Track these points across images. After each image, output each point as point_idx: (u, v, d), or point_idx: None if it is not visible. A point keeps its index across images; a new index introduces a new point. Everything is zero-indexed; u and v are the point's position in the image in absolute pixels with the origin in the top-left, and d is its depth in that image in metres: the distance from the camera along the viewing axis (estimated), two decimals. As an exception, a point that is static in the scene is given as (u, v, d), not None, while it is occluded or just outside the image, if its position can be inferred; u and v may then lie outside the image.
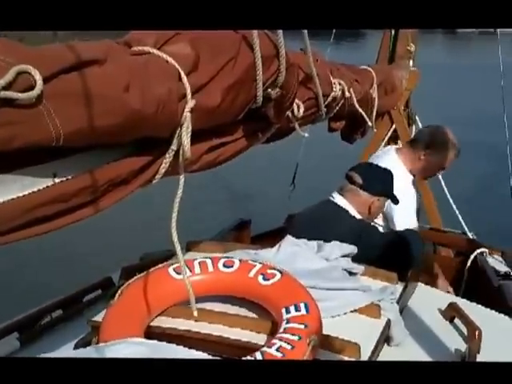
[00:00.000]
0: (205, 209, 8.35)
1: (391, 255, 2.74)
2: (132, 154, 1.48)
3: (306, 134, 2.55)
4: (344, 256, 2.48)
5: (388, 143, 4.45)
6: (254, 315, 2.09)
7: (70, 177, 1.32)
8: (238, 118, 1.82)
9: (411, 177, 3.65)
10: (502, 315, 2.70)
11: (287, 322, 1.86)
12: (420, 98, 4.90)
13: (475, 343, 2.20)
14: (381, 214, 3.39)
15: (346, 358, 1.88)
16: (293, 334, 1.78)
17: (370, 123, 3.50)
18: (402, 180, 3.45)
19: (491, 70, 5.77)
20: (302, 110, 2.27)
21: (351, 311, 2.16)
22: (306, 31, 2.02)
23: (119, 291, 2.04)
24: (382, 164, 3.28)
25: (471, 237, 4.37)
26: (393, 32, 4.57)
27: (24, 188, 1.23)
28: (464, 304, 2.57)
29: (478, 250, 3.79)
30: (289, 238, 2.54)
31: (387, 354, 2.07)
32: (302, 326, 1.82)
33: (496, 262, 3.73)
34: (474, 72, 20.86)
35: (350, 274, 2.42)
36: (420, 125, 4.59)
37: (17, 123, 1.12)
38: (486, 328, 2.27)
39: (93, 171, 1.36)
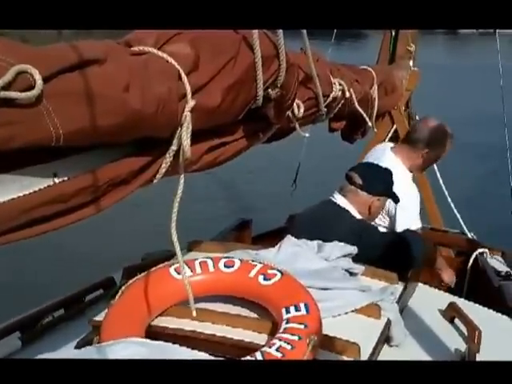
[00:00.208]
0: (206, 209, 8.36)
1: (391, 255, 2.74)
2: (132, 153, 1.48)
3: (307, 134, 2.55)
4: (344, 256, 2.49)
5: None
6: (254, 315, 2.09)
7: (70, 177, 1.32)
8: (239, 118, 1.82)
9: (411, 175, 3.66)
10: (502, 315, 2.70)
11: (287, 322, 1.86)
12: (420, 98, 4.90)
13: (475, 343, 2.20)
14: (383, 214, 3.40)
15: (346, 358, 1.88)
16: (293, 334, 1.79)
17: (369, 123, 3.50)
18: (403, 180, 3.47)
19: (491, 71, 5.77)
20: (302, 110, 2.27)
21: (351, 311, 2.16)
22: (305, 31, 2.02)
23: (120, 291, 2.04)
24: (382, 164, 3.28)
25: (471, 237, 4.37)
26: (393, 32, 4.57)
27: (24, 188, 1.23)
28: (464, 304, 2.57)
29: (479, 250, 3.80)
30: (289, 238, 2.54)
31: (387, 354, 2.07)
32: (302, 326, 1.82)
33: (496, 262, 3.74)
34: (474, 72, 20.85)
35: (351, 274, 2.42)
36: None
37: (16, 123, 1.12)
38: (486, 328, 2.28)
39: (93, 171, 1.36)
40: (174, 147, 1.56)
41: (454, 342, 2.30)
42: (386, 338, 2.13)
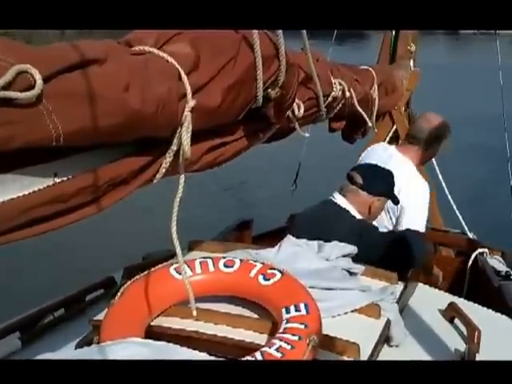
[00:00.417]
0: (206, 208, 8.36)
1: (392, 255, 2.74)
2: (132, 153, 1.48)
3: (307, 134, 2.55)
4: (344, 256, 2.49)
5: (389, 143, 4.44)
6: (254, 315, 2.09)
7: (70, 176, 1.32)
8: (239, 117, 1.82)
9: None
10: (502, 315, 2.70)
11: (287, 322, 1.86)
12: (421, 98, 4.90)
13: (475, 343, 2.20)
14: (385, 215, 3.40)
15: (346, 358, 1.88)
16: (293, 334, 1.79)
17: (370, 123, 3.50)
18: (418, 178, 3.53)
19: (491, 71, 5.77)
20: (302, 109, 2.27)
21: (351, 311, 2.16)
22: (304, 31, 2.02)
23: (120, 291, 2.04)
24: (393, 166, 3.32)
25: (471, 237, 4.37)
26: (393, 32, 4.57)
27: (24, 188, 1.23)
28: (464, 304, 2.57)
29: (479, 250, 3.80)
30: (290, 238, 2.54)
31: (387, 354, 2.07)
32: (302, 326, 1.82)
33: (496, 262, 3.74)
34: (475, 73, 20.85)
35: (351, 274, 2.42)
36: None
37: (16, 123, 1.12)
38: (486, 328, 2.28)
39: (93, 171, 1.36)
40: (174, 147, 1.56)
41: (453, 342, 2.30)
42: (385, 338, 2.13)
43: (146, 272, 2.11)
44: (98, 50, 1.35)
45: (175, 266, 2.12)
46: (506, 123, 5.35)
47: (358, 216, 2.94)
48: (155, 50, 1.51)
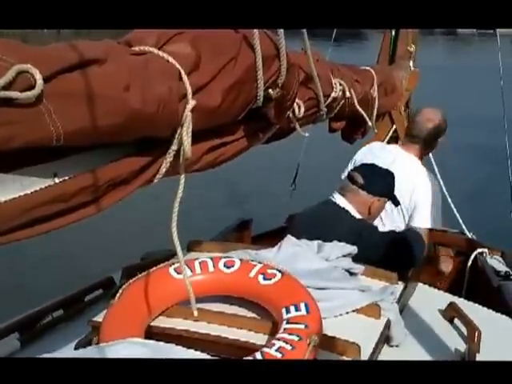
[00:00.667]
0: (206, 208, 8.36)
1: (392, 255, 2.74)
2: (132, 153, 1.48)
3: (307, 134, 2.55)
4: (344, 256, 2.49)
5: (388, 143, 4.45)
6: (254, 315, 2.09)
7: (70, 176, 1.32)
8: (239, 118, 1.82)
9: None
10: (502, 315, 2.71)
11: (287, 322, 1.86)
12: (420, 98, 4.90)
13: (475, 343, 2.20)
14: (386, 215, 3.41)
15: (346, 358, 1.88)
16: (293, 335, 1.78)
17: (370, 123, 3.50)
18: (426, 174, 3.57)
19: (491, 71, 5.77)
20: (302, 110, 2.27)
21: (351, 311, 2.16)
22: (305, 31, 2.02)
23: (120, 291, 2.04)
24: (400, 165, 3.39)
25: (471, 237, 4.37)
26: (393, 32, 4.57)
27: (24, 188, 1.23)
28: (464, 304, 2.57)
29: (478, 250, 3.80)
30: (289, 238, 2.54)
31: (387, 354, 2.07)
32: (302, 326, 1.82)
33: (495, 262, 3.74)
34: (474, 73, 20.86)
35: (351, 274, 2.42)
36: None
37: (17, 123, 1.12)
38: (486, 328, 2.28)
39: (93, 171, 1.36)
40: (174, 147, 1.56)
41: (453, 342, 2.30)
42: (386, 338, 2.13)
43: (145, 272, 2.11)
44: (98, 49, 1.35)
45: (175, 266, 2.12)
46: (506, 123, 5.34)
47: (358, 216, 2.94)
48: (155, 50, 1.50)
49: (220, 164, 1.89)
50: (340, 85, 2.82)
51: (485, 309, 2.71)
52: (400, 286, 2.47)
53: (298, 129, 2.37)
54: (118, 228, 7.42)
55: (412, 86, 4.54)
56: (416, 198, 3.37)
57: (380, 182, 3.02)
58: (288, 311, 1.91)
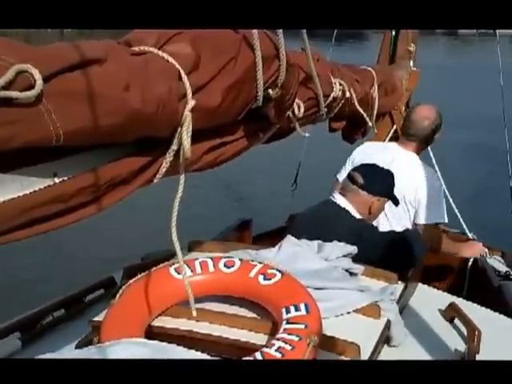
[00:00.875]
0: (206, 208, 8.36)
1: (392, 255, 2.74)
2: (132, 153, 1.48)
3: (307, 134, 2.55)
4: (344, 256, 2.48)
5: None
6: (254, 315, 2.09)
7: (70, 176, 1.32)
8: (239, 117, 1.82)
9: None
10: (502, 315, 2.70)
11: (287, 323, 1.86)
12: (421, 98, 4.90)
13: (474, 343, 2.20)
14: (391, 213, 3.41)
15: (346, 359, 1.88)
16: (293, 335, 1.78)
17: (370, 123, 3.50)
18: (430, 171, 3.63)
19: (491, 71, 5.77)
20: (302, 109, 2.27)
21: (351, 311, 2.16)
22: (304, 31, 2.02)
23: (120, 291, 2.04)
24: (402, 162, 3.44)
25: (471, 237, 4.37)
26: (393, 33, 4.57)
27: (23, 188, 1.23)
28: (464, 304, 2.57)
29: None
30: (290, 238, 2.54)
31: (387, 354, 2.07)
32: (302, 327, 1.82)
33: (496, 262, 3.74)
34: (474, 73, 20.86)
35: (351, 274, 2.42)
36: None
37: (16, 122, 1.12)
38: (486, 328, 2.28)
39: (93, 171, 1.36)
40: (174, 147, 1.56)
41: (453, 342, 2.30)
42: (385, 339, 2.13)
43: (145, 272, 2.11)
44: (97, 49, 1.35)
45: (175, 266, 2.12)
46: (506, 123, 5.34)
47: (358, 216, 2.94)
48: (155, 50, 1.51)
49: (220, 164, 1.89)
50: (340, 85, 2.82)
51: (485, 309, 2.71)
52: (400, 286, 2.47)
53: (298, 129, 2.37)
54: (119, 228, 7.42)
55: (412, 85, 4.54)
56: (420, 194, 3.39)
57: (380, 182, 3.02)
58: (288, 311, 1.90)
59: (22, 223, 1.23)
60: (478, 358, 2.12)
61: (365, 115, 3.34)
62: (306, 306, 1.92)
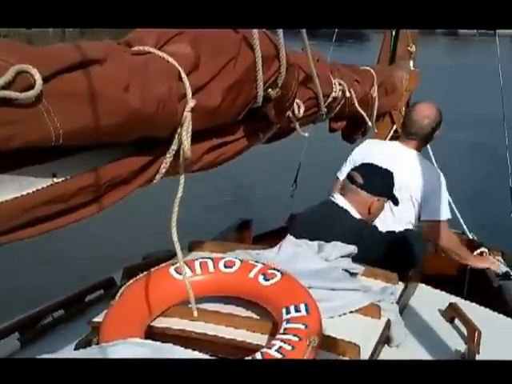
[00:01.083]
0: (206, 208, 8.36)
1: (392, 255, 2.74)
2: (132, 153, 1.48)
3: (307, 134, 2.55)
4: (344, 256, 2.48)
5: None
6: (254, 315, 2.09)
7: (69, 176, 1.32)
8: (239, 117, 1.82)
9: None
10: (502, 315, 2.70)
11: (287, 323, 1.86)
12: (421, 98, 4.89)
13: (475, 343, 2.20)
14: (387, 215, 3.41)
15: (346, 359, 1.88)
16: (293, 335, 1.78)
17: (370, 123, 3.50)
18: (432, 167, 3.66)
19: (491, 72, 5.77)
20: (302, 109, 2.27)
21: (351, 311, 2.16)
22: (304, 31, 2.02)
23: (120, 291, 2.04)
24: (405, 160, 3.46)
25: (471, 237, 4.37)
26: (393, 33, 4.57)
27: (23, 188, 1.23)
28: (464, 304, 2.57)
29: (478, 250, 3.80)
30: (290, 239, 2.54)
31: (387, 355, 2.07)
32: (302, 327, 1.82)
33: None
34: (474, 73, 20.85)
35: (351, 274, 2.42)
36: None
37: (16, 122, 1.12)
38: (486, 328, 2.28)
39: (93, 171, 1.36)
40: (174, 147, 1.56)
41: (453, 342, 2.30)
42: (386, 339, 2.13)
43: (145, 272, 2.11)
44: (97, 50, 1.35)
45: (175, 266, 2.12)
46: (506, 123, 5.35)
47: (358, 216, 2.94)
48: (155, 50, 1.51)
49: (220, 164, 1.89)
50: (340, 85, 2.82)
51: (485, 309, 2.71)
52: (400, 286, 2.47)
53: (298, 129, 2.37)
54: (119, 228, 7.42)
55: (412, 85, 4.54)
56: (426, 190, 3.40)
57: (380, 182, 3.02)
58: (288, 311, 1.90)
59: (21, 223, 1.23)
60: (478, 358, 2.12)
61: (365, 115, 3.34)
62: (306, 306, 1.92)
